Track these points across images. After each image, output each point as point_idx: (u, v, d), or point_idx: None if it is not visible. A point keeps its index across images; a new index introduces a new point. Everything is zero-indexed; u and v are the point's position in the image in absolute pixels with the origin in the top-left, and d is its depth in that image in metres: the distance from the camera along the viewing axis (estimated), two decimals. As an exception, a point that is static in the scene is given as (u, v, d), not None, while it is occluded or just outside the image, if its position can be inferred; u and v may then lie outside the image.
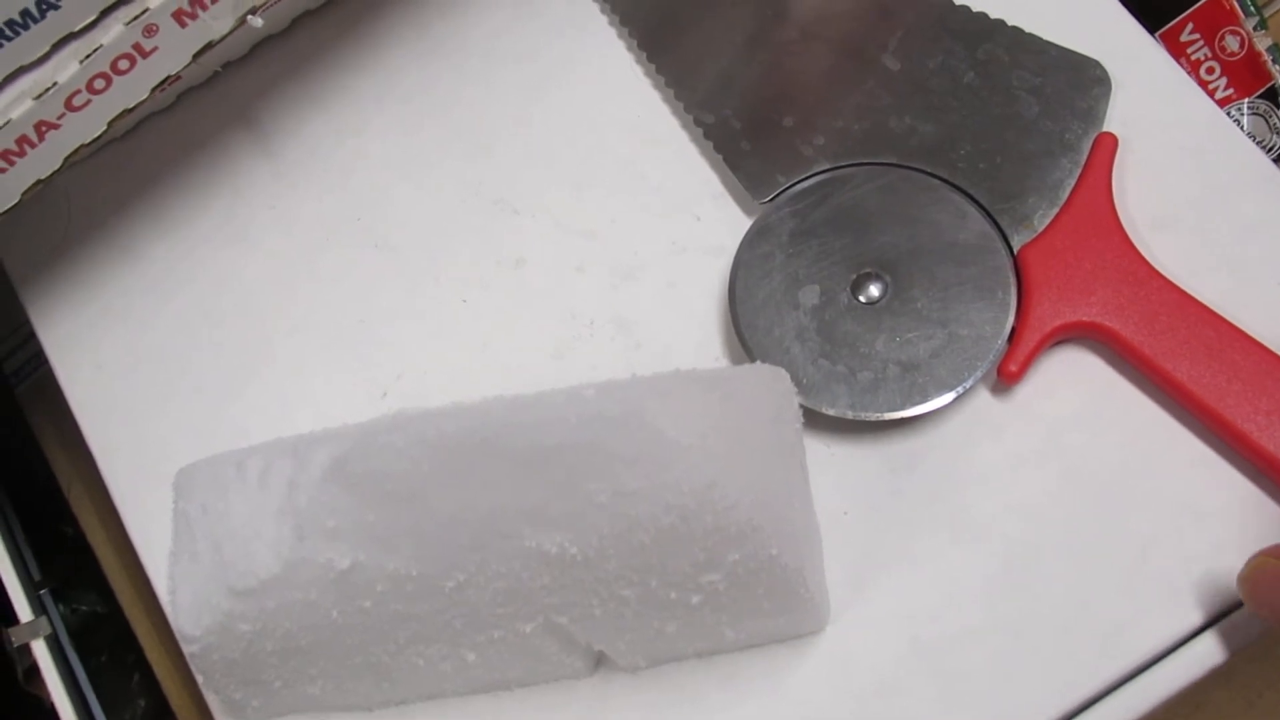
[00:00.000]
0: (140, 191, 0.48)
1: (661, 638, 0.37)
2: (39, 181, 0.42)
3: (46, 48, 0.40)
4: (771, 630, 0.38)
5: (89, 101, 0.41)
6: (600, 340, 0.44)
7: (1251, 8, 0.73)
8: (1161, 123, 0.45)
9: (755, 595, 0.36)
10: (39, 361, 0.57)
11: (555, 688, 0.40)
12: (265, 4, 0.43)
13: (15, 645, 0.45)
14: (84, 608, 0.57)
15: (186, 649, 0.36)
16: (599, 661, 0.40)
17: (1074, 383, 0.41)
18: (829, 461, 0.41)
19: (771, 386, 0.38)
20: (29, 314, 0.48)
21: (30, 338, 0.57)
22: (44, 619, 0.46)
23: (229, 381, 0.45)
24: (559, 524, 0.33)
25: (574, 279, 0.45)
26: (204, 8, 0.41)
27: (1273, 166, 0.45)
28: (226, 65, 0.50)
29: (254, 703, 0.39)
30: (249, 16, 0.43)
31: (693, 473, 0.33)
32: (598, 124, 0.47)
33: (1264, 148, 0.62)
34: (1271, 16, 0.74)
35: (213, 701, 0.40)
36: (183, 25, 0.41)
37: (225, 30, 0.42)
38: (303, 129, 0.49)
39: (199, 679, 0.38)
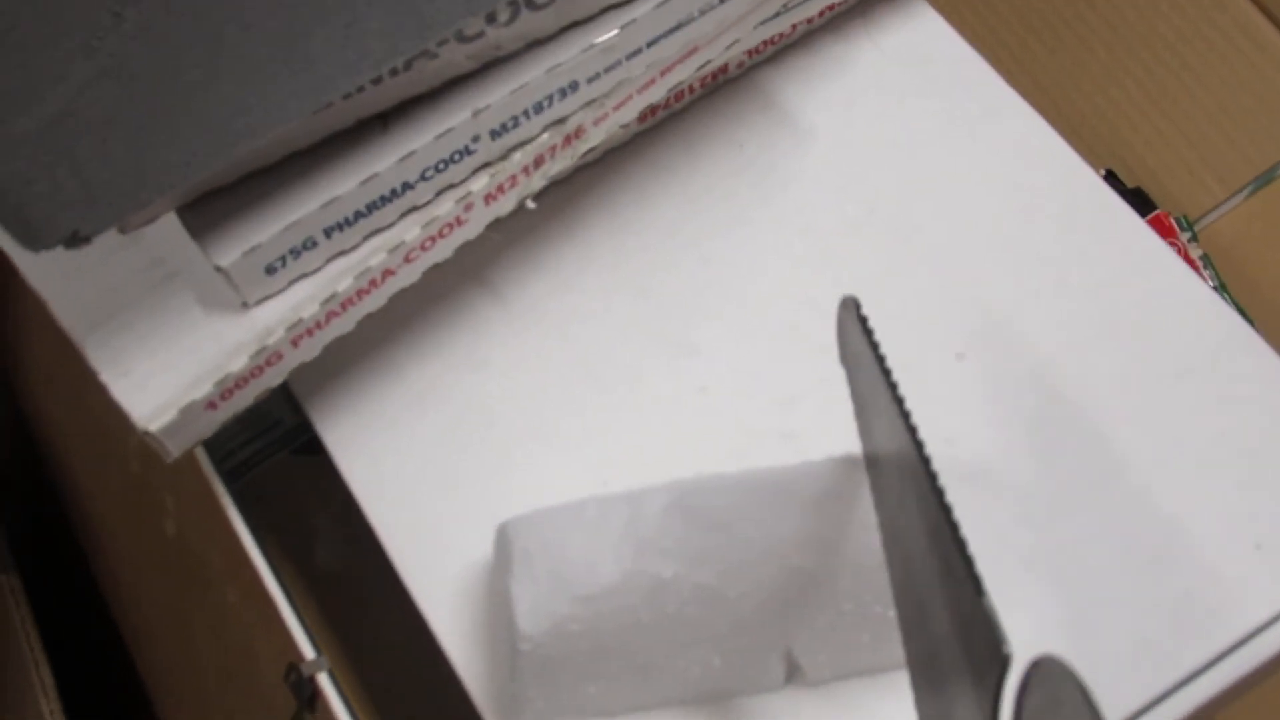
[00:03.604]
0: (400, 330, 0.63)
1: (855, 649, 0.52)
2: (369, 315, 0.56)
3: (396, 216, 0.55)
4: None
5: (417, 256, 0.56)
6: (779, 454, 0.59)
7: (1185, 223, 0.93)
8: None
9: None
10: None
11: (758, 701, 0.54)
12: (537, 192, 0.58)
13: (305, 676, 0.58)
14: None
15: (520, 647, 0.50)
16: (790, 675, 0.53)
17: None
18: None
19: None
20: (313, 421, 0.61)
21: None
22: (324, 657, 0.58)
23: (478, 478, 0.59)
24: (815, 548, 0.48)
25: (745, 403, 0.60)
26: (503, 192, 0.57)
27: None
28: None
29: (539, 704, 0.52)
30: (527, 201, 0.58)
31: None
32: (759, 285, 0.63)
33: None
34: (1202, 231, 0.94)
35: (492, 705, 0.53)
36: (486, 204, 0.57)
37: (510, 209, 0.58)
38: (527, 286, 0.64)
39: (516, 677, 0.51)
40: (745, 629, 0.50)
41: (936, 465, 0.50)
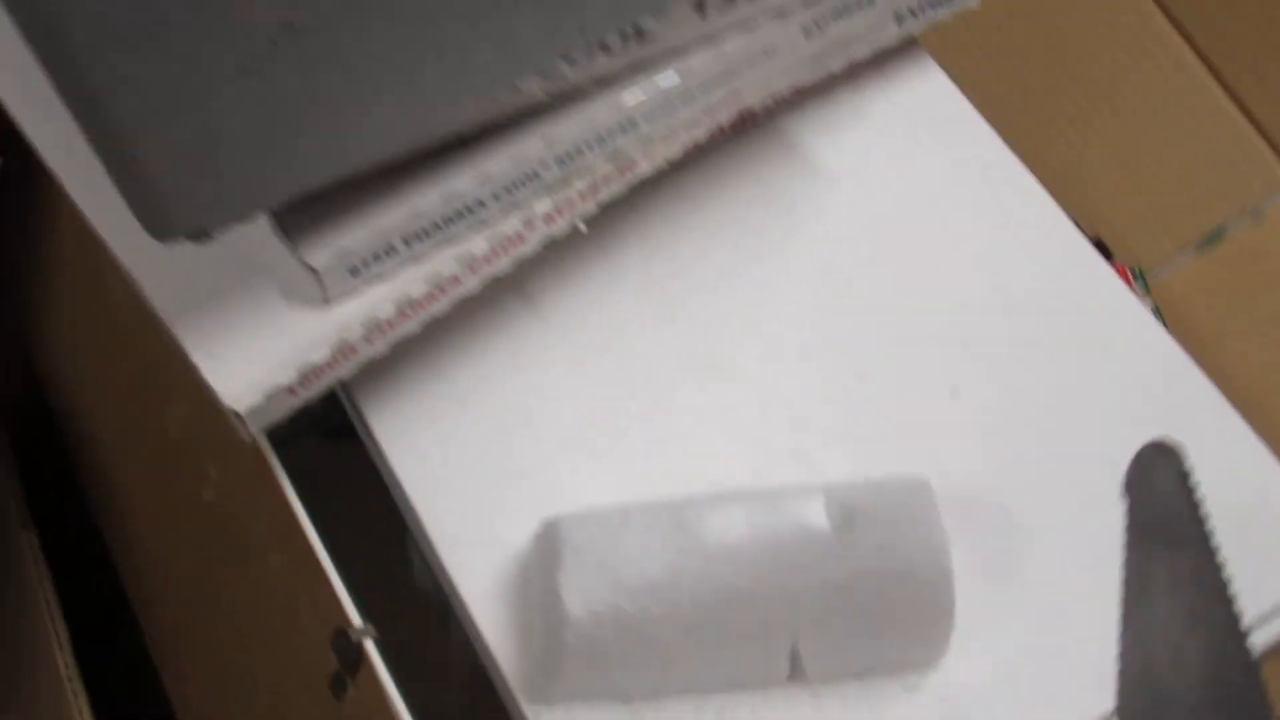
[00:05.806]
0: (445, 333, 0.68)
1: (855, 655, 0.58)
2: (434, 319, 0.62)
3: (467, 230, 0.60)
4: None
5: (481, 268, 0.61)
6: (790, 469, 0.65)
7: (1138, 273, 1.00)
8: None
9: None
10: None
11: (760, 694, 0.60)
12: (589, 216, 0.64)
13: (354, 641, 0.63)
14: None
15: (566, 632, 0.55)
16: (793, 672, 0.59)
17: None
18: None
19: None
20: (364, 412, 0.66)
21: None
22: (370, 625, 0.63)
23: (515, 475, 0.65)
24: (806, 571, 0.54)
25: (761, 422, 0.66)
26: (561, 214, 0.62)
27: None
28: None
29: (572, 686, 0.57)
30: (579, 223, 0.64)
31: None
32: (778, 312, 0.69)
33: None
34: (1155, 285, 1.01)
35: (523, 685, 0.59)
36: (546, 224, 0.62)
37: (564, 230, 0.63)
38: (563, 300, 0.69)
39: (561, 659, 0.56)
40: (768, 629, 0.56)
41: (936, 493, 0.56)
